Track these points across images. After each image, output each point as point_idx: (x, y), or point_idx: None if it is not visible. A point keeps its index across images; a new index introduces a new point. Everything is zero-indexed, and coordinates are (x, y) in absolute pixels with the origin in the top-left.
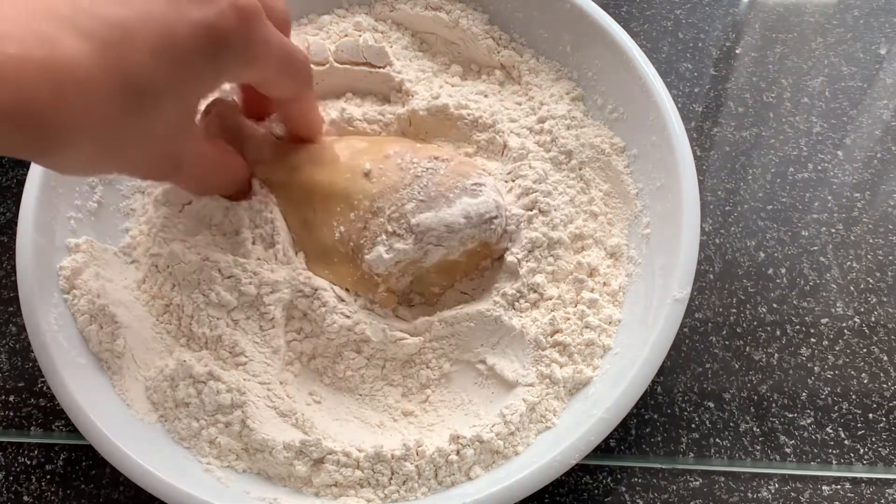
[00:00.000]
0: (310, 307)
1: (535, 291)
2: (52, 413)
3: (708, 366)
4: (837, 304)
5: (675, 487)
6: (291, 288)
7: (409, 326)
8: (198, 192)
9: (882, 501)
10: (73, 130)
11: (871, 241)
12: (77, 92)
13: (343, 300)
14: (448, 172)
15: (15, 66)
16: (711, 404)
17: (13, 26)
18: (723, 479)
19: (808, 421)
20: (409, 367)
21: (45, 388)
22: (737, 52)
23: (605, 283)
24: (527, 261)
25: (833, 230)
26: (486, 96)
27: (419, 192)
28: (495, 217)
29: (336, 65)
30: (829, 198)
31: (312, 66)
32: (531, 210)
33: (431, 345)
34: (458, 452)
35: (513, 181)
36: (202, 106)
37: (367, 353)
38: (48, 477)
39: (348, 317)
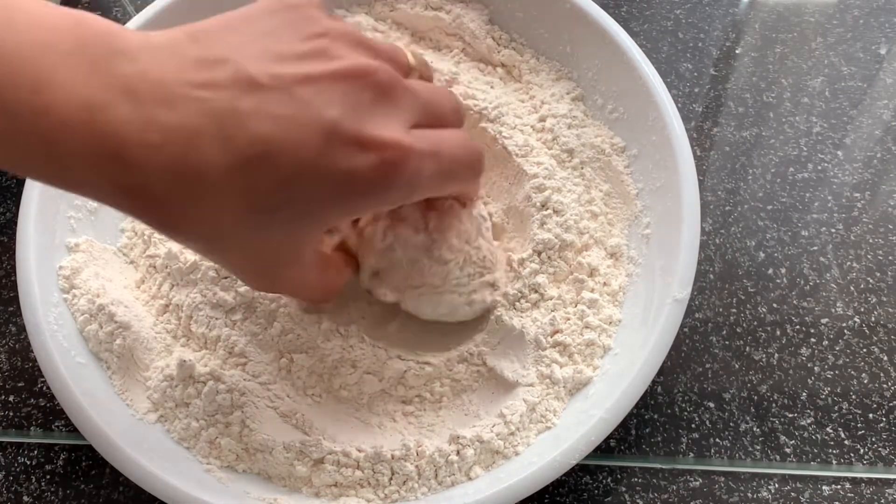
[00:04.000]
0: (304, 319)
1: (536, 291)
2: (52, 413)
3: (708, 366)
4: (837, 304)
5: (675, 487)
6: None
7: (402, 351)
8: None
9: (882, 501)
10: (186, 227)
11: (871, 241)
12: (201, 199)
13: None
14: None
15: (147, 153)
16: (711, 404)
17: (166, 113)
18: (723, 479)
19: (808, 421)
20: (405, 380)
21: (45, 388)
22: (737, 52)
23: (605, 284)
24: (531, 261)
25: (833, 230)
26: (492, 87)
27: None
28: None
29: None
30: (829, 198)
31: None
32: (545, 209)
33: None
34: (458, 452)
35: (523, 182)
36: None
37: (364, 367)
38: (48, 477)
39: (343, 336)
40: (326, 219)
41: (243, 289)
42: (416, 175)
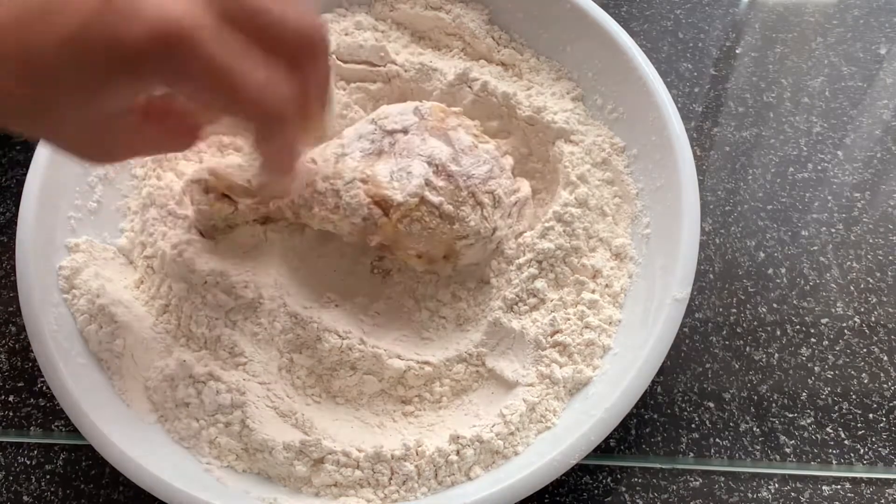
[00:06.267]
0: (304, 319)
1: (535, 296)
2: (52, 413)
3: (708, 366)
4: (837, 304)
5: (675, 487)
6: (283, 291)
7: (402, 351)
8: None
9: (882, 501)
10: None
11: (871, 241)
12: None
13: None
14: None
15: None
16: (711, 404)
17: None
18: (723, 479)
19: (808, 421)
20: (405, 379)
21: (45, 388)
22: (737, 52)
23: (606, 285)
24: (529, 266)
25: (833, 230)
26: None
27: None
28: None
29: (339, 63)
30: (829, 198)
31: None
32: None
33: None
34: (458, 452)
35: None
36: None
37: (363, 369)
38: (48, 477)
39: (342, 337)
40: (105, 83)
41: (242, 291)
42: (197, 50)
